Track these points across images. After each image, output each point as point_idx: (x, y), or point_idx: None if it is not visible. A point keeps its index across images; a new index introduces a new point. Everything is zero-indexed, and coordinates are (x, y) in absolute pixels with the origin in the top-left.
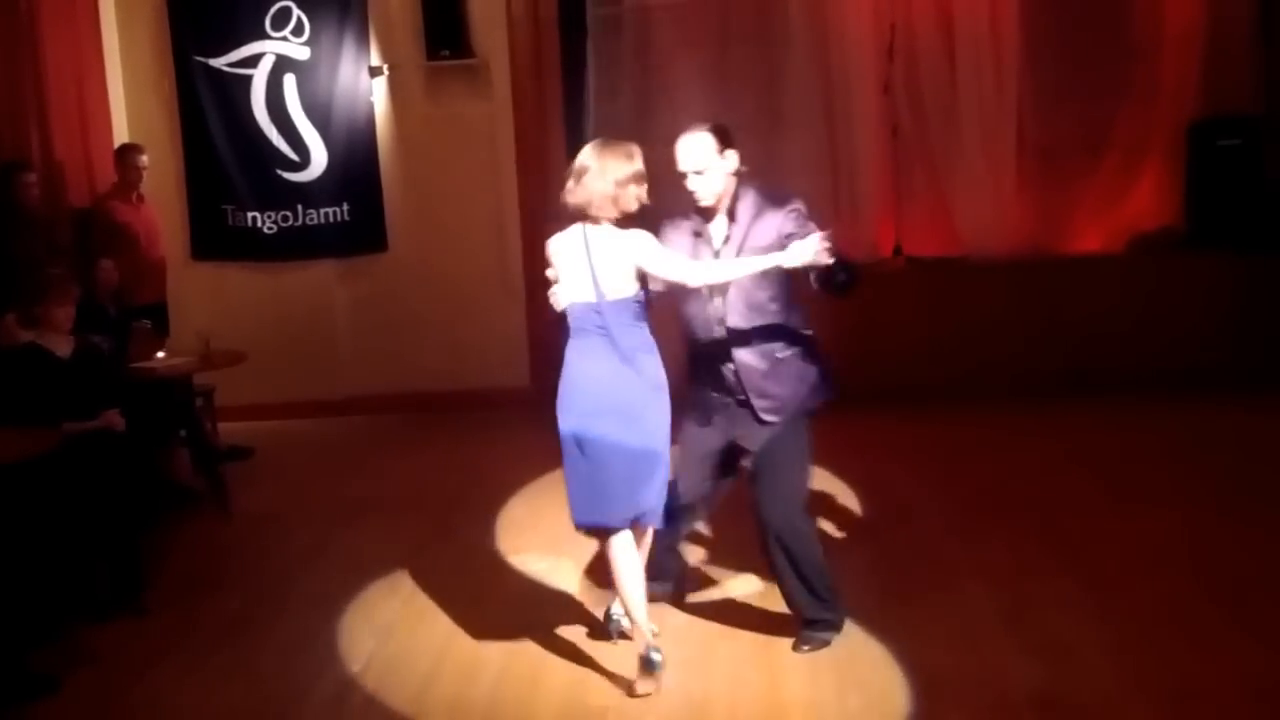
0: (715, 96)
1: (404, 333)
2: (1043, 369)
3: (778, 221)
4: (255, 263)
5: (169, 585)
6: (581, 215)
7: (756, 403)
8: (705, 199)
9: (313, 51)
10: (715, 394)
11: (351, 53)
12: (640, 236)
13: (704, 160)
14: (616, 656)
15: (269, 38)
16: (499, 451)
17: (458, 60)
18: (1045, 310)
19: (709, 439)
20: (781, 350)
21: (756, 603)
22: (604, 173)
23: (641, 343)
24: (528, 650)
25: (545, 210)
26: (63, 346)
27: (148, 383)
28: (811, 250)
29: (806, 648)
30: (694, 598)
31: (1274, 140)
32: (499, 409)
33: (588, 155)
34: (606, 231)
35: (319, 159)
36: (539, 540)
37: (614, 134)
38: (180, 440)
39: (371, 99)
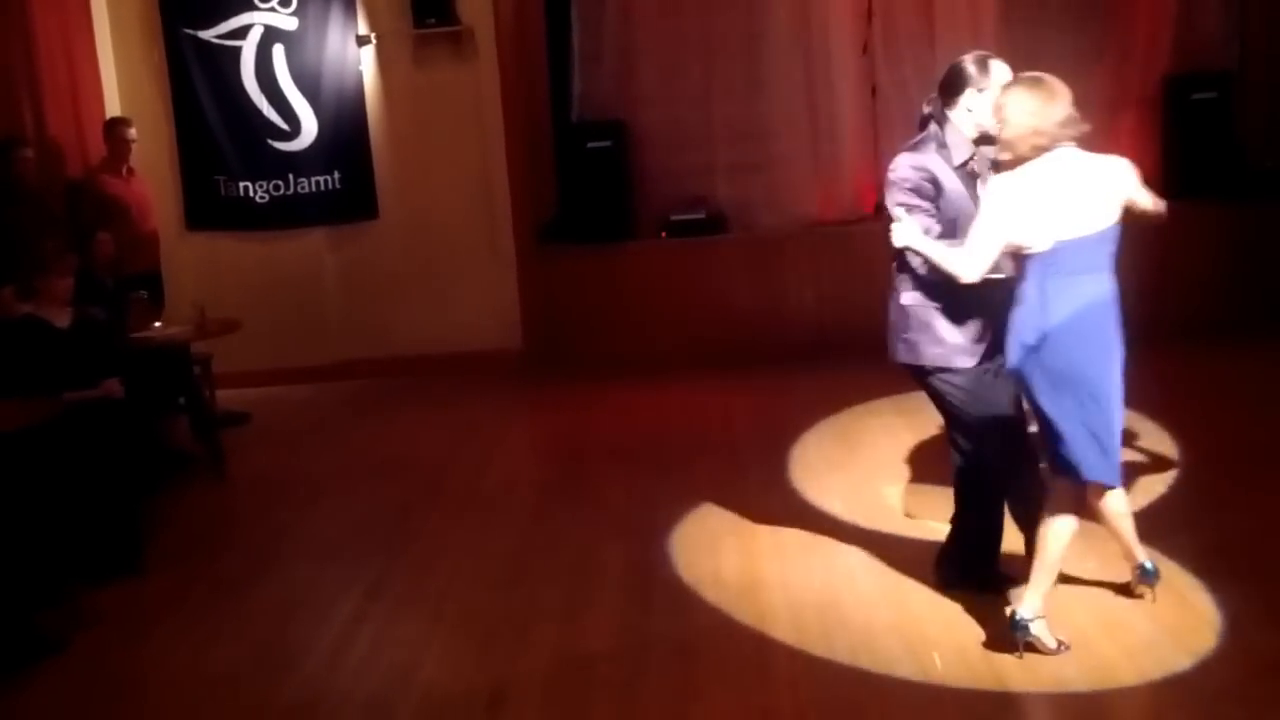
0: (698, 59)
1: (396, 298)
2: None
3: None
4: (248, 232)
5: (168, 548)
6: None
7: None
8: None
9: (300, 21)
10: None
11: (339, 22)
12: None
13: None
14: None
15: (257, 9)
16: (491, 413)
17: (444, 27)
18: None
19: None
20: None
21: None
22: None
23: None
24: (521, 600)
25: (533, 174)
26: (61, 318)
27: (146, 352)
28: None
29: None
30: None
31: (1246, 94)
32: (490, 371)
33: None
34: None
35: (309, 128)
36: (529, 497)
37: (598, 98)
38: (179, 407)
39: (360, 68)
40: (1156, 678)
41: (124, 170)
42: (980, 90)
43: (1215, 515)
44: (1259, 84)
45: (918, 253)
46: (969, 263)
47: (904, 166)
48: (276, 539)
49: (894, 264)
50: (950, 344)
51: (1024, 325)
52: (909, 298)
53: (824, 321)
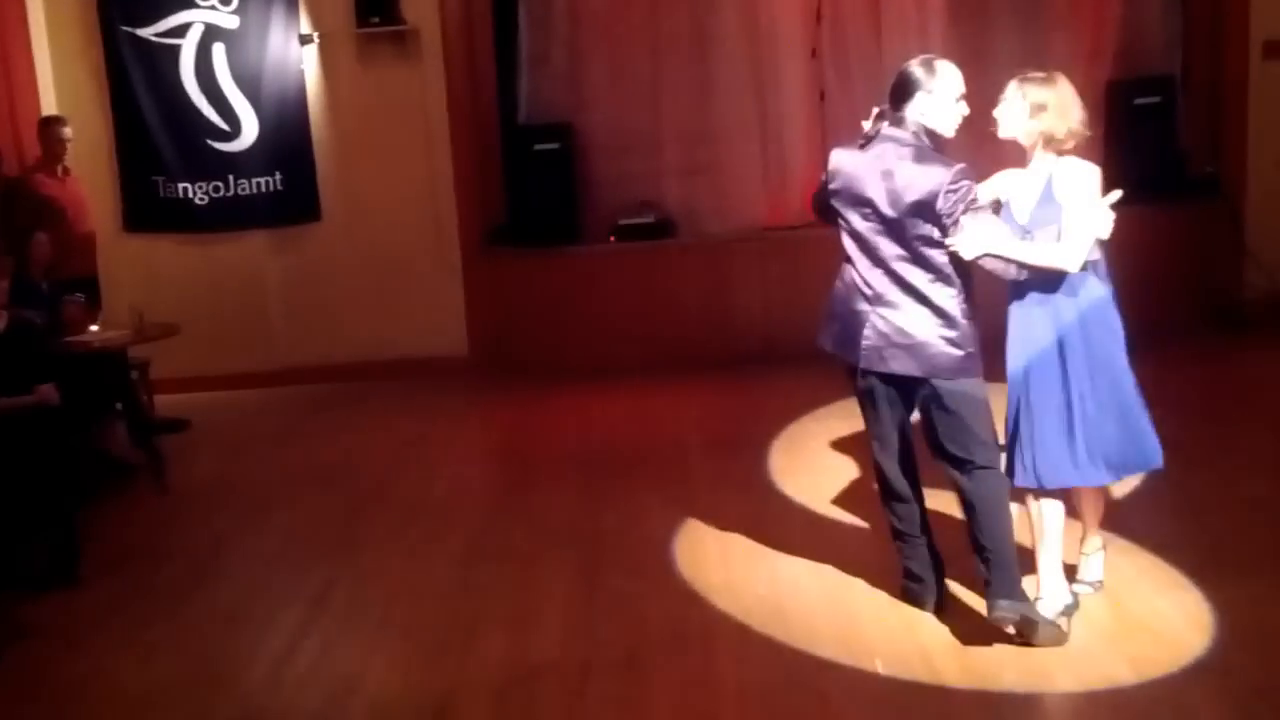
0: (646, 62)
1: (339, 302)
2: None
3: None
4: (187, 234)
5: (106, 558)
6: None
7: None
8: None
9: (242, 20)
10: None
11: (281, 21)
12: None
13: None
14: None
15: (197, 7)
16: (438, 419)
17: (388, 27)
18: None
19: None
20: None
21: None
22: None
23: None
24: (469, 609)
25: (480, 177)
26: None
27: (82, 356)
28: None
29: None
30: None
31: (1189, 99)
32: (437, 377)
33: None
34: None
35: (250, 129)
36: (477, 505)
37: (545, 100)
38: (116, 413)
39: (302, 67)
40: (1094, 685)
41: (59, 170)
42: (929, 93)
43: (1165, 519)
44: (1201, 89)
45: (1000, 257)
46: (1073, 252)
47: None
48: (217, 548)
49: (890, 275)
50: (978, 350)
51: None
52: (961, 307)
53: (772, 326)
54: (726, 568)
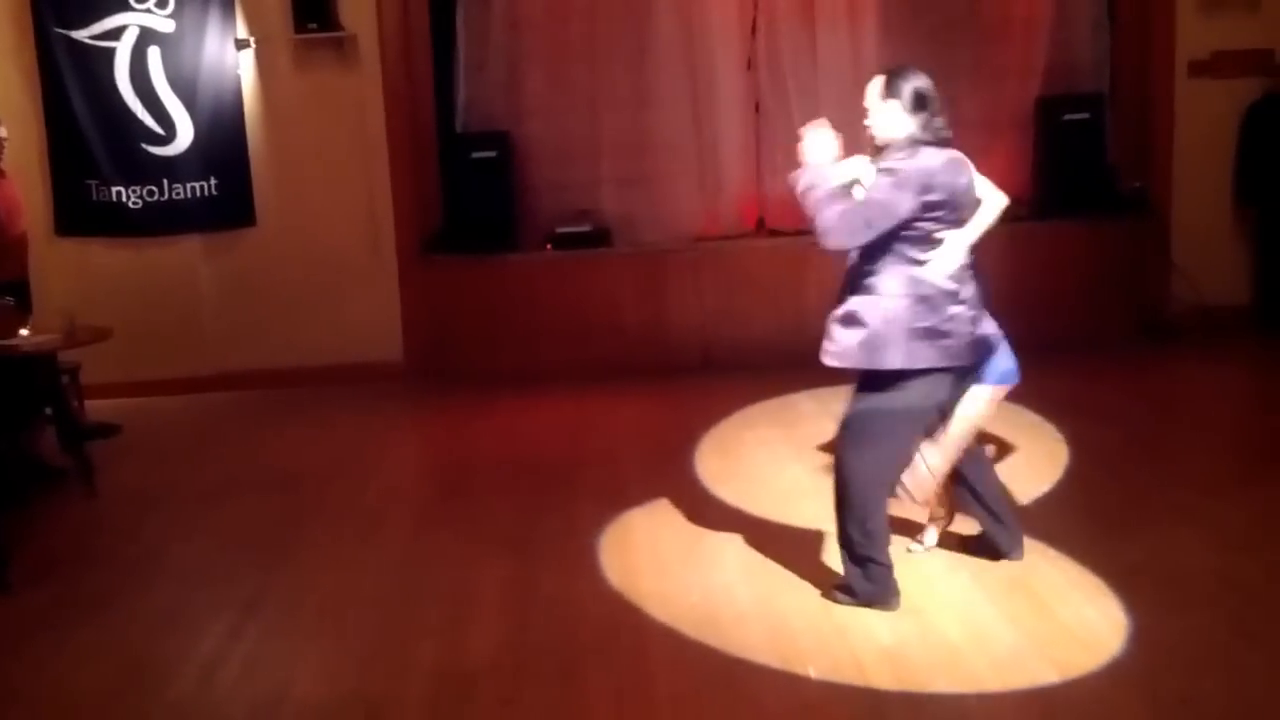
0: (584, 71)
1: (273, 308)
2: None
3: None
4: (121, 238)
5: (34, 564)
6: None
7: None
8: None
9: (178, 23)
10: None
11: (217, 25)
12: None
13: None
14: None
15: (133, 9)
16: (372, 427)
17: (326, 33)
18: None
19: None
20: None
21: None
22: None
23: None
24: (401, 617)
25: (417, 184)
26: None
27: (11, 360)
28: None
29: (840, 597)
30: None
31: (1117, 115)
32: (372, 384)
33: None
34: None
35: (185, 132)
36: (411, 511)
37: (483, 108)
38: (45, 418)
39: (238, 72)
40: (1020, 689)
41: None
42: None
43: (1094, 529)
44: (1129, 106)
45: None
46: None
47: None
48: (148, 555)
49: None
50: None
51: None
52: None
53: (707, 335)
54: (660, 575)
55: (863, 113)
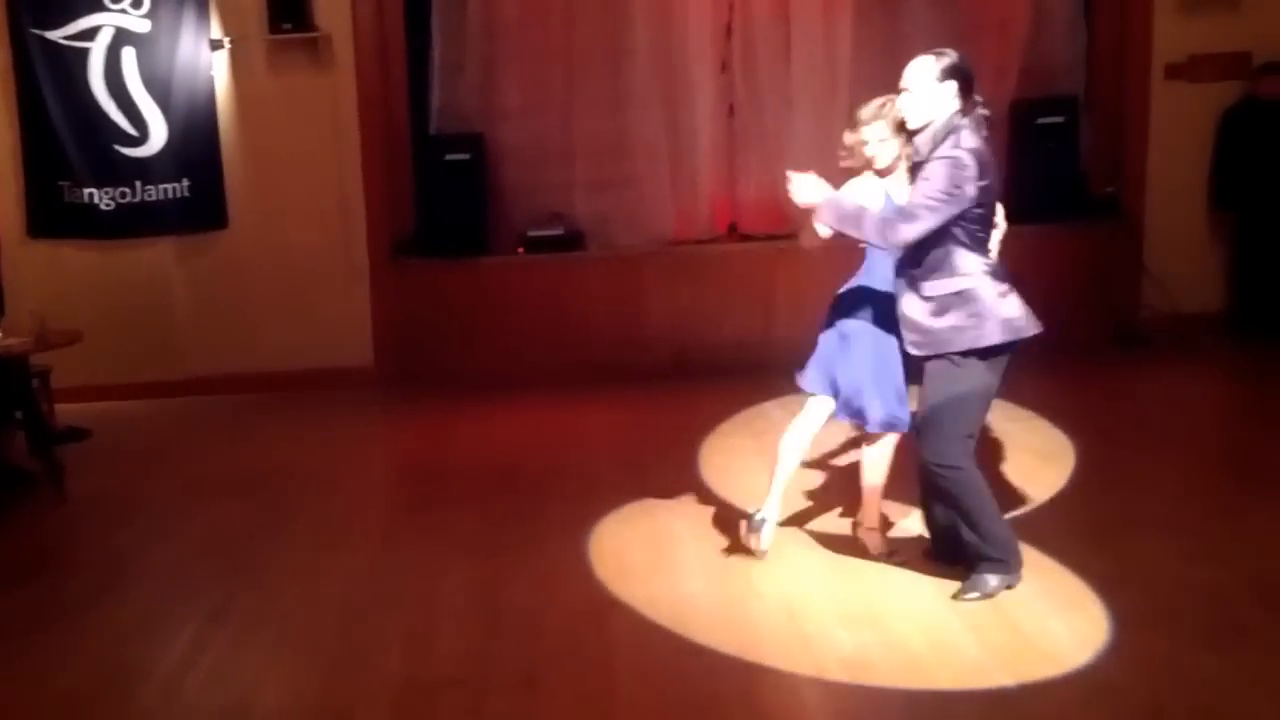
0: (559, 74)
1: (245, 311)
2: None
3: None
4: (93, 240)
5: (1, 570)
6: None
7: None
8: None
9: (153, 24)
10: None
11: (192, 26)
12: None
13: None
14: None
15: (107, 10)
16: (343, 432)
17: (300, 34)
18: None
19: None
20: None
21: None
22: None
23: None
24: (368, 625)
25: (390, 186)
26: None
27: None
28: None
29: (971, 595)
30: None
31: (1091, 119)
32: (342, 388)
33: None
34: None
35: (158, 134)
36: (380, 518)
37: (457, 110)
38: (15, 422)
39: (212, 73)
40: (981, 699)
41: None
42: None
43: (1061, 539)
44: (1103, 110)
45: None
46: None
47: None
48: (116, 561)
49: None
50: None
51: None
52: None
53: (681, 340)
54: (627, 583)
55: (840, 116)
